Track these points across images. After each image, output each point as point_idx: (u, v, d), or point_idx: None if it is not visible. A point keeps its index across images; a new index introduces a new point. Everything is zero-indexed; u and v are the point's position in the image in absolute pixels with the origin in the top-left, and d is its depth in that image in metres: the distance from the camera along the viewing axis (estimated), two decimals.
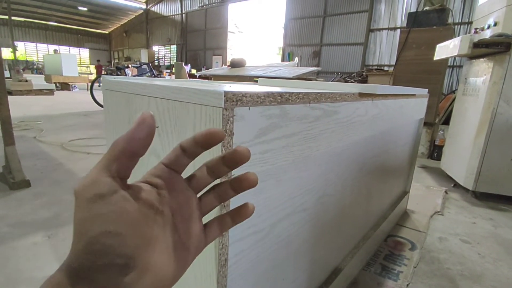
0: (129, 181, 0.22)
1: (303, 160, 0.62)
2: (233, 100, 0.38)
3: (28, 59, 19.55)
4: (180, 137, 0.46)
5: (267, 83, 1.04)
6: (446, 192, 2.10)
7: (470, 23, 7.80)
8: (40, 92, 7.90)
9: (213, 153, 0.40)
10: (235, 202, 0.46)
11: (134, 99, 0.53)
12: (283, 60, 11.76)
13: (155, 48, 18.91)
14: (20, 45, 19.52)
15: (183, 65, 8.56)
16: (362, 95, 0.77)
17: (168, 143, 0.49)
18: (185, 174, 0.28)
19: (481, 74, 2.02)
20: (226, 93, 0.37)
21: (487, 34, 1.94)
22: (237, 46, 16.57)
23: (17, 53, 15.81)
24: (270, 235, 0.59)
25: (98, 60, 15.36)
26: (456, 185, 2.22)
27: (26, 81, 7.70)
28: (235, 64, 5.54)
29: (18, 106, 5.53)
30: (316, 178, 0.71)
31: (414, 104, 1.38)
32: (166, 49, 18.36)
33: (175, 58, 17.21)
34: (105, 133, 0.64)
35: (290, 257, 0.69)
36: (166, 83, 0.51)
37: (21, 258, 1.15)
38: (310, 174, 0.67)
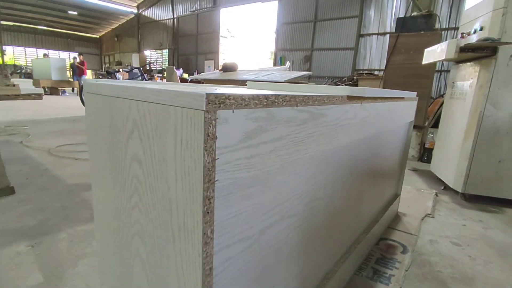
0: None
1: (291, 164, 0.60)
2: (215, 102, 0.37)
3: (16, 63, 19.20)
4: (161, 141, 0.44)
5: (256, 86, 1.03)
6: (436, 194, 2.11)
7: (456, 28, 7.99)
8: (28, 96, 7.75)
9: (195, 158, 0.39)
10: (220, 206, 0.45)
11: (115, 102, 0.51)
12: (275, 65, 11.82)
13: (147, 52, 18.80)
14: (8, 49, 19.17)
15: (175, 69, 8.53)
16: (351, 98, 0.77)
17: (149, 147, 0.47)
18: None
19: (468, 78, 2.06)
20: (208, 95, 0.36)
21: (473, 39, 1.97)
22: (229, 51, 16.60)
23: (5, 58, 15.49)
24: (259, 241, 0.57)
25: (80, 54, 11.18)
26: (446, 187, 2.24)
27: (14, 85, 7.55)
28: (227, 69, 5.53)
29: (5, 110, 5.41)
30: (305, 182, 0.70)
31: (404, 107, 1.39)
32: (157, 53, 18.28)
33: (167, 63, 17.13)
34: (87, 139, 0.62)
35: (280, 264, 0.67)
36: (147, 85, 0.49)
37: (4, 267, 1.11)
38: (299, 178, 0.66)
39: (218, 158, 0.40)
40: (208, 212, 0.41)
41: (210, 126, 0.37)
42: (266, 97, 0.46)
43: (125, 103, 0.49)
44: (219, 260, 0.47)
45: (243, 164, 0.46)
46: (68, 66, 11.49)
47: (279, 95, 0.49)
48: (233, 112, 0.40)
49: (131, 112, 0.48)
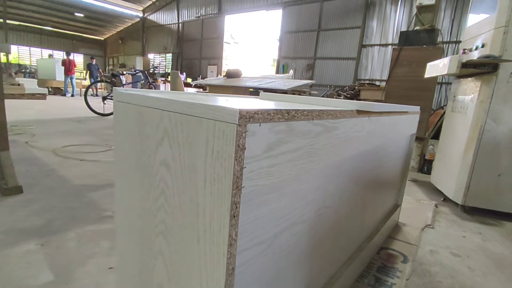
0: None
1: (305, 173, 0.64)
2: (246, 117, 0.41)
3: (21, 63, 19.33)
4: (191, 149, 0.48)
5: (269, 98, 1.08)
6: (436, 206, 2.15)
7: (458, 42, 8.11)
8: (32, 96, 7.82)
9: (226, 166, 0.43)
10: (242, 211, 0.49)
11: (146, 111, 0.56)
12: (277, 72, 11.93)
13: (151, 56, 18.96)
14: (13, 48, 19.31)
15: (179, 73, 8.61)
16: (360, 112, 0.81)
17: (179, 154, 0.51)
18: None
19: (469, 93, 2.11)
20: (240, 110, 0.40)
21: (475, 55, 2.03)
22: (232, 57, 16.78)
23: (10, 56, 15.60)
24: (272, 246, 0.61)
25: (68, 53, 10.21)
26: (446, 199, 2.27)
27: (19, 84, 7.62)
28: (231, 75, 5.60)
29: (10, 110, 5.43)
30: (316, 190, 0.73)
31: (407, 120, 1.44)
32: (161, 57, 18.44)
33: (171, 67, 17.27)
34: (114, 144, 0.66)
35: (289, 268, 0.71)
36: (180, 97, 0.53)
37: (14, 266, 1.14)
38: (310, 186, 0.70)
39: (245, 167, 0.44)
40: (234, 216, 0.45)
41: (240, 138, 0.41)
42: (288, 111, 0.50)
43: (156, 113, 0.53)
44: (239, 261, 0.51)
45: (264, 172, 0.50)
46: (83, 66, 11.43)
47: (298, 110, 0.53)
48: (260, 125, 0.44)
49: (162, 122, 0.52)
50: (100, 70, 10.97)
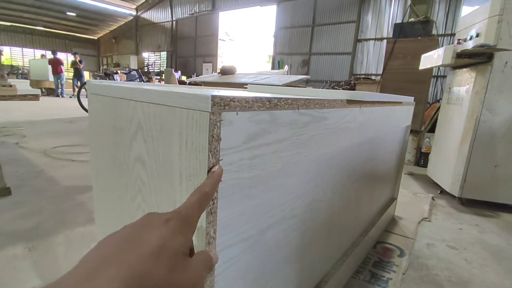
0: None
1: (293, 165, 0.61)
2: (220, 104, 0.38)
3: (13, 64, 19.09)
4: (166, 143, 0.45)
5: (257, 89, 1.04)
6: (433, 198, 2.13)
7: (453, 34, 8.09)
8: (24, 97, 7.71)
9: (200, 159, 0.39)
10: (223, 206, 0.45)
11: (120, 103, 0.52)
12: (273, 68, 11.87)
13: (145, 54, 18.81)
14: (5, 49, 19.07)
15: (173, 71, 8.53)
16: (350, 102, 0.78)
17: (153, 149, 0.47)
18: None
19: (464, 84, 2.09)
20: (213, 97, 0.36)
21: (469, 45, 2.01)
22: (227, 54, 16.70)
23: (2, 58, 15.38)
24: (259, 242, 0.57)
25: (54, 52, 9.80)
26: (443, 191, 2.26)
27: (10, 86, 7.51)
28: (225, 72, 5.55)
29: (0, 111, 5.37)
30: (306, 183, 0.70)
31: (401, 111, 1.41)
32: (156, 55, 18.29)
33: (165, 65, 17.14)
34: (88, 138, 0.62)
35: (279, 265, 0.68)
36: (153, 87, 0.50)
37: (1, 270, 1.10)
38: (300, 179, 0.67)
39: (222, 159, 0.40)
40: (211, 213, 0.41)
41: (214, 128, 0.38)
42: (269, 99, 0.47)
43: (130, 104, 0.49)
44: (221, 259, 0.47)
45: (246, 164, 0.46)
46: (66, 67, 10.93)
47: (281, 98, 0.49)
48: (237, 114, 0.41)
49: (136, 113, 0.48)
50: (79, 64, 9.65)
